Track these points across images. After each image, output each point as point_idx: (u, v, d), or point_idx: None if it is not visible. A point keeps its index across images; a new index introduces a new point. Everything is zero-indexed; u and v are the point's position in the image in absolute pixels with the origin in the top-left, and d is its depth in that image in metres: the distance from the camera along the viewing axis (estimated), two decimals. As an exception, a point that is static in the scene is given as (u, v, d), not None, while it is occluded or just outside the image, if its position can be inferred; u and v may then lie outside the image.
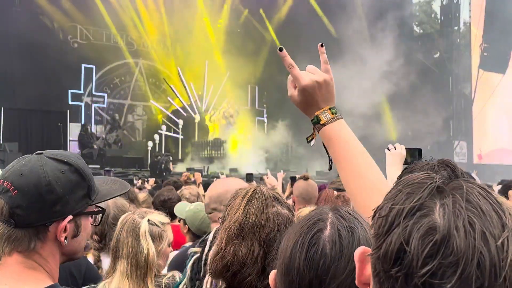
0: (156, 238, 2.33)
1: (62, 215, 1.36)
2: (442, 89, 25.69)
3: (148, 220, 2.34)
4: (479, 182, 0.76)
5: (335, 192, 4.14)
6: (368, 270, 0.77)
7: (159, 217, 2.43)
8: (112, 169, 16.24)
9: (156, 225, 2.36)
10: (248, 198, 1.55)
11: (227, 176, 13.24)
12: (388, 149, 2.75)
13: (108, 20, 22.23)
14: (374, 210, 0.77)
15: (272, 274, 1.16)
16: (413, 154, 2.73)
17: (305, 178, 4.44)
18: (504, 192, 5.73)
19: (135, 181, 12.61)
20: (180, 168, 20.07)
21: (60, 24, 20.85)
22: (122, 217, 2.44)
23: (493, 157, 26.15)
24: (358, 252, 0.81)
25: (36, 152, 1.40)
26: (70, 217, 1.39)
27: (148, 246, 2.26)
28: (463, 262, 0.66)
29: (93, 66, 21.99)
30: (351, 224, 1.09)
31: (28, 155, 1.41)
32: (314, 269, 1.06)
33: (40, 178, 1.33)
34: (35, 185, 1.32)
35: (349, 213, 1.12)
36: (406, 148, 2.73)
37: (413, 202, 0.72)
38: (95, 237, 2.88)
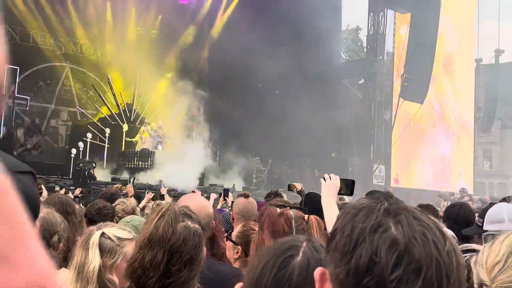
0: (106, 252, 2.23)
1: None
2: (365, 114, 26.84)
3: (103, 233, 2.28)
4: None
5: (278, 210, 4.27)
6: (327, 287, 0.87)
7: (118, 231, 2.34)
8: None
9: (110, 238, 2.27)
10: (161, 214, 1.79)
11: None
12: (324, 179, 2.88)
13: (37, 22, 21.45)
14: (331, 233, 0.89)
15: (238, 286, 1.29)
16: (347, 185, 2.93)
17: (246, 196, 4.33)
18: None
19: (57, 189, 12.12)
20: (105, 177, 19.57)
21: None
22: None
23: (408, 181, 27.68)
24: (318, 271, 0.89)
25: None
26: None
27: (93, 258, 2.21)
28: (425, 267, 0.78)
29: (17, 68, 21.04)
30: (321, 256, 1.18)
31: None
32: None
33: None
34: None
35: (322, 246, 1.22)
36: (340, 179, 2.89)
37: (373, 220, 0.83)
38: None
